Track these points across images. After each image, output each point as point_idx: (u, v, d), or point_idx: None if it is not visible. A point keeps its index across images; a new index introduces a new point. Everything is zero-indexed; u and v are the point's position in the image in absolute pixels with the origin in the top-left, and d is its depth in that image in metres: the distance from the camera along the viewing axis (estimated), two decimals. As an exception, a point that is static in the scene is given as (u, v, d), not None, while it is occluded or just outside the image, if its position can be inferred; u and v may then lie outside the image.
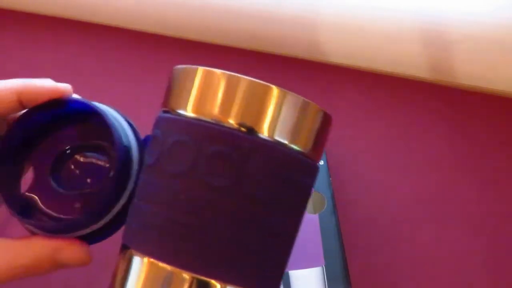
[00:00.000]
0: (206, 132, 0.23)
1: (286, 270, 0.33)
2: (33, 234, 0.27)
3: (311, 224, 0.35)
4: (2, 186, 0.27)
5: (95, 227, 0.27)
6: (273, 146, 0.23)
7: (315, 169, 0.25)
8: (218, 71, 0.23)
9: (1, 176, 0.27)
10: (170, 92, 0.25)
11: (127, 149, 0.26)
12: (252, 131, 0.23)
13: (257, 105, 0.23)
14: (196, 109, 0.23)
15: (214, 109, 0.23)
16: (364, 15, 0.48)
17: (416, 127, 0.47)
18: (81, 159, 0.28)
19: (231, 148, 0.22)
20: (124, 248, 0.25)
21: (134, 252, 0.24)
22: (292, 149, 0.24)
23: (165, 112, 0.25)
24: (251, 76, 0.53)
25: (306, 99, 0.24)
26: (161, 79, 0.52)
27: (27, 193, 0.28)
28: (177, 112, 0.24)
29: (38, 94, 0.26)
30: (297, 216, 0.25)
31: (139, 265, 0.23)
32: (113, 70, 0.53)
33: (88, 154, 0.28)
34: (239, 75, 0.23)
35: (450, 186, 0.44)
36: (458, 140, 0.46)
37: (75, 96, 0.28)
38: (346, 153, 0.46)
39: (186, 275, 0.22)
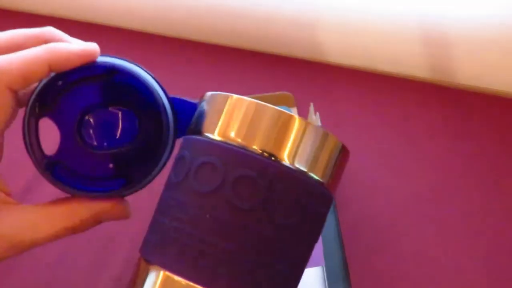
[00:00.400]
0: (234, 155, 0.24)
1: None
2: (72, 195, 0.28)
3: (311, 224, 0.35)
4: (33, 150, 0.27)
5: (134, 189, 0.28)
6: (295, 173, 0.24)
7: (330, 200, 0.27)
8: (247, 99, 0.25)
9: (31, 138, 0.27)
10: (201, 116, 0.27)
11: (164, 106, 0.27)
12: (274, 157, 0.24)
13: (280, 133, 0.25)
14: (224, 133, 0.25)
15: (241, 135, 0.25)
16: (364, 15, 0.48)
17: (416, 126, 0.47)
18: (107, 118, 0.28)
19: (257, 172, 0.24)
20: (142, 260, 0.26)
21: (152, 265, 0.25)
22: (311, 177, 0.25)
23: (193, 134, 0.27)
24: (251, 76, 0.53)
25: (326, 131, 0.26)
26: (161, 79, 0.52)
27: (54, 156, 0.28)
28: (206, 136, 0.26)
29: (68, 61, 0.26)
30: (311, 244, 0.26)
31: (155, 278, 0.24)
32: (113, 70, 0.53)
33: (114, 112, 0.28)
34: (265, 104, 0.25)
35: (450, 186, 0.44)
36: (458, 140, 0.46)
37: (101, 58, 0.28)
38: (346, 153, 0.46)
39: None
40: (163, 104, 0.27)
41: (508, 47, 0.46)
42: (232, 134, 0.25)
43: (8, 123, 0.27)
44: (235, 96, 0.25)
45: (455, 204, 0.43)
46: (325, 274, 0.33)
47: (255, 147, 0.24)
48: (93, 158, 0.28)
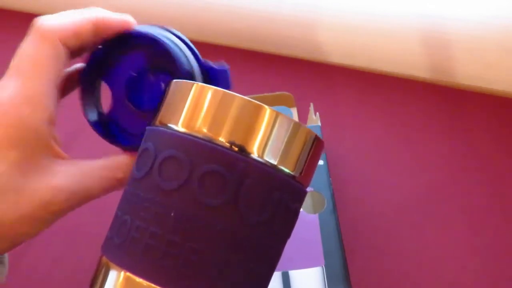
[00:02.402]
0: (200, 149, 0.22)
1: (286, 270, 0.33)
2: (122, 150, 0.29)
3: (311, 224, 0.35)
4: (87, 108, 0.30)
5: None
6: (265, 167, 0.23)
7: (303, 194, 0.25)
8: (212, 87, 0.23)
9: (84, 99, 0.30)
10: (164, 105, 0.25)
11: (190, 74, 0.28)
12: (243, 150, 0.23)
13: (248, 124, 0.23)
14: (188, 124, 0.23)
15: (206, 126, 0.23)
16: (364, 15, 0.48)
17: (416, 127, 0.47)
18: (151, 81, 0.30)
19: (226, 167, 0.22)
20: (103, 258, 0.25)
21: (112, 265, 0.23)
22: (282, 171, 0.24)
23: (156, 125, 0.25)
24: (251, 76, 0.53)
25: (297, 122, 0.24)
26: (161, 79, 0.52)
27: (107, 114, 0.30)
28: (169, 126, 0.24)
29: (109, 25, 0.29)
30: (283, 239, 0.25)
31: (115, 278, 0.23)
32: (113, 70, 0.53)
33: (157, 76, 0.30)
34: (233, 93, 0.23)
35: (450, 185, 0.44)
36: (458, 139, 0.46)
37: (139, 28, 0.31)
38: (346, 153, 0.46)
39: None
40: (192, 70, 0.29)
41: (508, 47, 0.46)
42: (198, 126, 0.23)
43: (61, 74, 0.29)
44: (200, 84, 0.24)
45: (455, 204, 0.43)
46: (325, 274, 0.33)
47: (222, 140, 0.23)
48: (140, 117, 0.29)
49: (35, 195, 0.26)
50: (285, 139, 0.23)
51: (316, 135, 0.25)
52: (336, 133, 0.47)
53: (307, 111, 0.49)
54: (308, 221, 0.35)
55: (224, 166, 0.22)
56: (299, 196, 0.25)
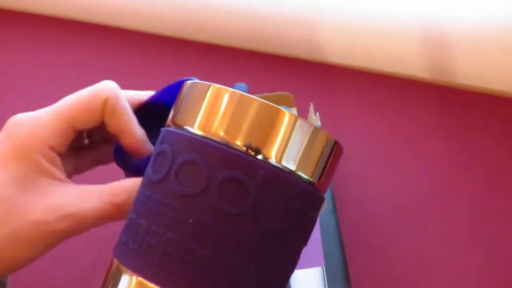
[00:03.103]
0: (219, 154, 0.22)
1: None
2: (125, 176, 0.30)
3: (311, 224, 0.35)
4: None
5: None
6: (285, 174, 0.22)
7: (320, 201, 0.25)
8: (230, 89, 0.23)
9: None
10: (179, 106, 0.24)
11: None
12: (261, 155, 0.22)
13: (267, 128, 0.22)
14: (205, 127, 0.23)
15: (223, 129, 0.22)
16: (364, 15, 0.48)
17: (416, 126, 0.47)
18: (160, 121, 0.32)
19: (246, 174, 0.22)
20: (116, 262, 0.24)
21: (124, 269, 0.23)
22: (300, 177, 0.23)
23: (171, 126, 0.24)
24: (251, 76, 0.53)
25: (317, 126, 0.23)
26: (161, 79, 0.52)
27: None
28: (185, 129, 0.23)
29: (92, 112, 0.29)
30: (300, 249, 0.25)
31: (128, 283, 0.23)
32: (113, 70, 0.53)
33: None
34: (251, 95, 0.23)
35: (450, 185, 0.44)
36: (458, 139, 0.46)
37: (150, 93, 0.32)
38: (346, 153, 0.46)
39: None
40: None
41: (508, 47, 0.46)
42: (215, 128, 0.22)
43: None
44: (217, 85, 0.23)
45: (455, 204, 0.43)
46: (325, 274, 0.33)
47: (240, 144, 0.22)
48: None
49: (27, 211, 0.25)
50: (304, 144, 0.23)
51: (335, 141, 0.24)
52: (336, 133, 0.47)
53: (307, 111, 0.49)
54: (308, 221, 0.35)
55: (244, 173, 0.22)
56: (317, 204, 0.24)
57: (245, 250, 0.22)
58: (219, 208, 0.22)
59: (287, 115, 0.22)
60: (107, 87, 0.29)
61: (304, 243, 0.25)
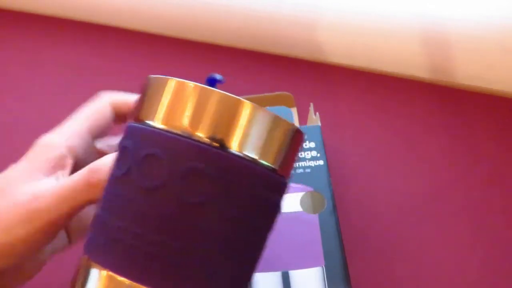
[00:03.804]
0: (179, 146, 0.22)
1: (286, 269, 0.33)
2: None
3: (311, 224, 0.35)
4: None
5: None
6: (246, 163, 0.23)
7: (284, 186, 0.25)
8: (190, 83, 0.23)
9: None
10: (141, 102, 0.25)
11: None
12: (223, 146, 0.22)
13: (227, 119, 0.22)
14: (167, 120, 0.23)
15: (185, 121, 0.23)
16: (364, 15, 0.48)
17: (416, 127, 0.47)
18: None
19: (207, 164, 0.22)
20: (84, 258, 0.24)
21: (94, 264, 0.23)
22: (261, 164, 0.23)
23: (135, 122, 0.25)
24: (251, 76, 0.53)
25: (278, 116, 0.24)
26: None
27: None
28: (146, 123, 0.24)
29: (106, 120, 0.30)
30: (266, 233, 0.25)
31: (97, 277, 0.23)
32: (113, 70, 0.53)
33: None
34: (211, 88, 0.23)
35: (450, 186, 0.44)
36: (457, 139, 0.46)
37: None
38: (346, 153, 0.46)
39: None
40: None
41: (508, 47, 0.46)
42: (176, 121, 0.23)
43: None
44: (176, 79, 0.23)
45: (455, 204, 0.43)
46: (325, 274, 0.33)
47: (202, 135, 0.22)
48: None
49: (10, 195, 0.26)
50: (265, 133, 0.23)
51: (297, 128, 0.25)
52: (336, 133, 0.47)
53: (307, 111, 0.49)
54: (308, 221, 0.35)
55: (205, 163, 0.22)
56: (280, 189, 0.25)
57: (211, 239, 0.22)
58: (182, 199, 0.22)
59: (247, 106, 0.23)
60: (106, 93, 0.31)
61: (270, 228, 0.25)
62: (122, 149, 0.24)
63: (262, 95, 0.45)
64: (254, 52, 0.54)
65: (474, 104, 0.49)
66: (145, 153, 0.23)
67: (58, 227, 0.27)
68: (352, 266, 0.40)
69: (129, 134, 0.24)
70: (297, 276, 0.34)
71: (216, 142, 0.22)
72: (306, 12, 0.50)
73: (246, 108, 0.23)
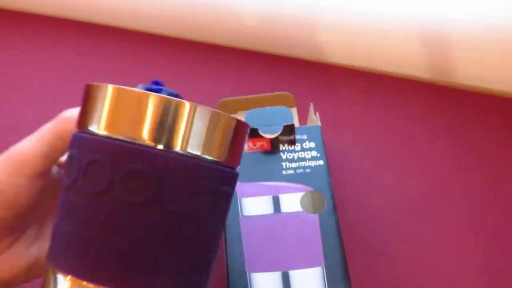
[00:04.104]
0: (119, 150, 0.23)
1: (286, 269, 0.33)
2: None
3: (311, 224, 0.35)
4: None
5: None
6: (187, 159, 0.23)
7: (232, 176, 0.26)
8: (127, 88, 0.24)
9: None
10: (83, 110, 0.25)
11: None
12: (165, 146, 0.23)
13: (167, 120, 0.23)
14: (108, 127, 0.24)
15: (125, 126, 0.23)
16: (364, 15, 0.48)
17: (416, 126, 0.47)
18: None
19: (146, 164, 0.23)
20: (48, 267, 0.25)
21: (56, 271, 0.24)
22: (205, 159, 0.24)
23: (79, 130, 0.25)
24: (251, 76, 0.53)
25: (216, 111, 0.25)
26: (161, 79, 0.52)
27: None
28: (90, 131, 0.24)
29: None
30: (218, 224, 0.26)
31: (63, 284, 0.24)
32: (113, 70, 0.53)
33: None
34: (147, 92, 0.24)
35: (449, 186, 0.44)
36: (457, 139, 0.46)
37: None
38: (346, 153, 0.46)
39: None
40: None
41: (508, 47, 0.46)
42: (116, 127, 0.23)
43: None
44: (112, 86, 0.24)
45: (455, 204, 0.43)
46: (325, 274, 0.33)
47: (144, 137, 0.23)
48: None
49: None
50: (206, 129, 0.24)
51: (237, 121, 0.26)
52: (336, 133, 0.47)
53: (307, 111, 0.49)
54: (308, 221, 0.35)
55: (144, 164, 0.23)
56: (227, 179, 0.26)
57: (157, 236, 0.23)
58: (125, 200, 0.23)
59: (186, 105, 0.24)
60: (68, 112, 0.30)
61: (222, 218, 0.26)
62: (69, 158, 0.25)
63: (262, 95, 0.45)
64: (254, 52, 0.54)
65: (474, 104, 0.49)
66: (88, 160, 0.24)
67: (41, 173, 0.28)
68: (352, 266, 0.40)
69: (74, 143, 0.25)
70: (297, 276, 0.34)
71: (159, 144, 0.23)
72: (306, 12, 0.50)
73: (185, 108, 0.24)
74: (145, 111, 0.23)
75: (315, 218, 0.35)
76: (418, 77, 0.51)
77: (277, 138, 0.38)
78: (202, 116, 0.24)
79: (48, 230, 0.31)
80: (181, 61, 0.53)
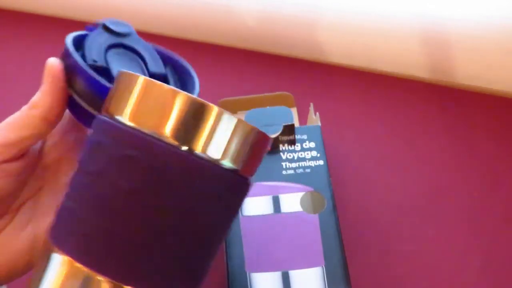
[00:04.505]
0: (123, 135, 0.23)
1: (286, 269, 0.33)
2: None
3: (311, 224, 0.35)
4: None
5: None
6: (204, 162, 0.24)
7: (243, 185, 0.26)
8: (159, 84, 0.24)
9: None
10: (111, 96, 0.26)
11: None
12: (187, 147, 0.23)
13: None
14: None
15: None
16: (364, 15, 0.48)
17: (416, 126, 0.47)
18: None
19: (142, 152, 0.23)
20: (48, 243, 0.26)
21: (55, 249, 0.24)
22: (223, 165, 0.24)
23: (106, 116, 0.26)
24: (251, 76, 0.53)
25: (240, 119, 0.25)
26: (161, 79, 0.52)
27: None
28: (117, 119, 0.25)
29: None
30: (221, 229, 0.26)
31: (57, 262, 0.24)
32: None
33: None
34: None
35: (449, 185, 0.44)
36: (457, 139, 0.46)
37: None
38: (346, 153, 0.46)
39: (99, 277, 0.23)
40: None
41: (508, 47, 0.46)
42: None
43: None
44: (145, 78, 0.24)
45: (455, 204, 0.43)
46: (325, 274, 0.33)
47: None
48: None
49: None
50: (228, 136, 0.24)
51: (260, 133, 0.26)
52: (336, 133, 0.47)
53: (307, 111, 0.49)
54: (308, 221, 0.35)
55: (139, 151, 0.23)
56: (238, 187, 0.25)
57: (135, 226, 0.23)
58: (115, 184, 0.23)
59: (214, 109, 0.24)
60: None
61: (225, 224, 0.26)
62: (96, 144, 0.25)
63: (262, 95, 0.45)
64: (254, 52, 0.54)
65: (474, 104, 0.49)
66: (92, 140, 0.24)
67: (11, 160, 0.28)
68: (352, 266, 0.40)
69: (101, 128, 0.25)
70: (297, 276, 0.34)
71: (182, 145, 0.23)
72: (306, 12, 0.50)
73: (211, 111, 0.24)
74: (172, 109, 0.23)
75: (315, 218, 0.35)
76: (418, 77, 0.51)
77: (277, 138, 0.38)
78: (192, 108, 0.24)
79: (44, 206, 0.31)
80: (181, 61, 0.53)
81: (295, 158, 0.37)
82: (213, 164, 0.24)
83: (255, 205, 0.36)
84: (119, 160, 0.23)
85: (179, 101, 0.23)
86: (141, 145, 0.23)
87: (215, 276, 0.40)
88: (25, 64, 0.54)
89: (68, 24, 0.57)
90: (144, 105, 0.24)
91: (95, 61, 0.30)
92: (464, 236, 0.41)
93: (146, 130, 0.24)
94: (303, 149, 0.38)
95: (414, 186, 0.44)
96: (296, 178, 0.36)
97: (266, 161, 0.37)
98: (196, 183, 0.24)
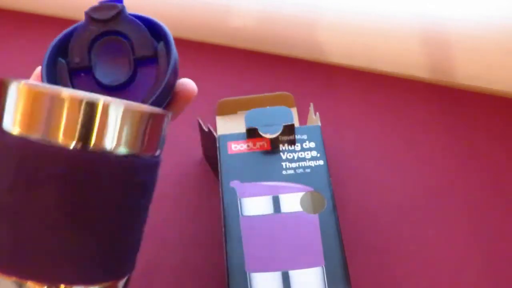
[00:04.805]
0: (9, 146, 0.23)
1: (286, 269, 0.33)
2: None
3: (311, 224, 0.35)
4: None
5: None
6: (97, 156, 0.24)
7: (147, 164, 0.26)
8: (39, 86, 0.24)
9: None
10: None
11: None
12: (78, 145, 0.23)
13: (80, 118, 0.23)
14: (20, 124, 0.24)
15: (39, 125, 0.24)
16: (364, 15, 0.48)
17: (416, 126, 0.47)
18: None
19: (32, 161, 0.23)
20: None
21: None
22: (118, 153, 0.24)
23: None
24: (251, 76, 0.53)
25: (128, 104, 0.25)
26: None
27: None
28: (2, 128, 0.24)
29: None
30: (135, 213, 0.26)
31: None
32: (113, 70, 0.53)
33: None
34: (60, 90, 0.24)
35: (449, 185, 0.44)
36: (457, 139, 0.46)
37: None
38: (346, 153, 0.46)
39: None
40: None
41: (508, 47, 0.46)
42: (31, 126, 0.24)
43: None
44: (23, 83, 0.24)
45: (455, 204, 0.43)
46: (325, 274, 0.33)
47: (57, 138, 0.23)
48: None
49: None
50: (118, 125, 0.24)
51: (150, 114, 0.25)
52: (336, 133, 0.47)
53: (307, 111, 0.49)
54: (308, 221, 0.35)
55: (29, 160, 0.23)
56: (142, 168, 0.26)
57: (38, 222, 0.23)
58: (13, 185, 0.23)
59: (100, 102, 0.24)
60: None
61: (140, 208, 0.26)
62: None
63: (262, 95, 0.45)
64: (254, 52, 0.54)
65: (474, 104, 0.49)
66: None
67: None
68: (352, 266, 0.40)
69: None
70: (297, 276, 0.34)
71: (70, 143, 0.23)
72: (306, 12, 0.50)
73: (97, 106, 0.24)
74: (57, 111, 0.23)
75: (315, 218, 0.35)
76: (418, 77, 0.51)
77: (277, 138, 0.38)
78: (113, 112, 0.24)
79: None
80: (181, 61, 0.53)
81: (295, 158, 0.37)
82: (106, 155, 0.24)
83: (255, 205, 0.36)
84: (17, 172, 0.23)
85: (59, 102, 0.23)
86: (29, 153, 0.23)
87: (215, 276, 0.40)
88: (25, 64, 0.54)
89: (68, 24, 0.57)
90: (26, 111, 0.23)
91: (77, 63, 0.30)
92: (464, 236, 0.41)
93: (33, 137, 0.23)
94: (303, 149, 0.38)
95: (414, 186, 0.44)
96: (296, 178, 0.36)
97: (266, 161, 0.37)
98: (95, 177, 0.24)
